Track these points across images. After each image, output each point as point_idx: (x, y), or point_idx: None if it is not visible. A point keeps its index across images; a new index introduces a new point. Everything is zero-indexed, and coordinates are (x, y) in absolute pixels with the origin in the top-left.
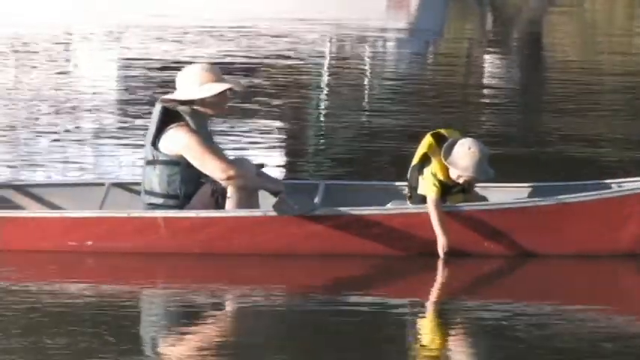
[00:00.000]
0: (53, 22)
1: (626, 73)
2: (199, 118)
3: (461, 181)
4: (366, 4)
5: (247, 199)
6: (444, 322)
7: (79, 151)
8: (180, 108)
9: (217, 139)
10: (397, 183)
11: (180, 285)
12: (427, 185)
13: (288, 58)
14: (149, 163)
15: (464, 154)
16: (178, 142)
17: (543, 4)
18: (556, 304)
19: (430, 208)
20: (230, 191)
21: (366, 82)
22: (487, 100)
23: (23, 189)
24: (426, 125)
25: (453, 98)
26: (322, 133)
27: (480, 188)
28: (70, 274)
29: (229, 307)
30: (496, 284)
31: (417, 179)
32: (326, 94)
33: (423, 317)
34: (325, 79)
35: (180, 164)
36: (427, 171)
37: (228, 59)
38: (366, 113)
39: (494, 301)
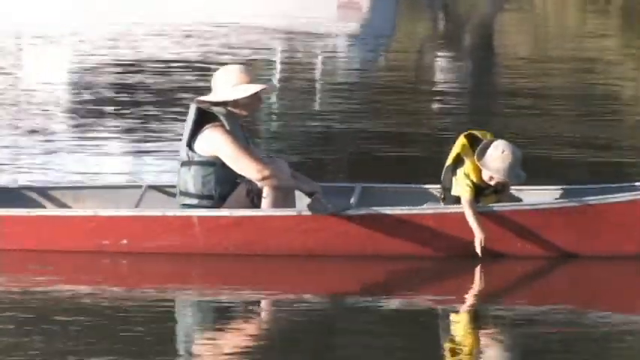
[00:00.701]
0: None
1: (579, 71)
2: (234, 118)
3: (492, 183)
4: (317, 6)
5: (283, 199)
6: (478, 324)
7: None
8: (215, 109)
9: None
10: (432, 185)
11: (213, 287)
12: (460, 186)
13: (236, 60)
14: (184, 164)
15: (497, 157)
16: (213, 142)
17: (496, 8)
18: (591, 306)
19: (465, 207)
20: (265, 191)
21: (315, 85)
22: (438, 101)
23: (58, 191)
24: (376, 130)
25: (405, 100)
26: (272, 136)
27: (515, 190)
28: (104, 277)
29: (264, 309)
30: (530, 286)
31: (451, 180)
32: (276, 97)
33: (458, 320)
34: (276, 81)
35: (215, 165)
36: (460, 172)
37: (178, 63)
38: (316, 117)
39: (528, 303)
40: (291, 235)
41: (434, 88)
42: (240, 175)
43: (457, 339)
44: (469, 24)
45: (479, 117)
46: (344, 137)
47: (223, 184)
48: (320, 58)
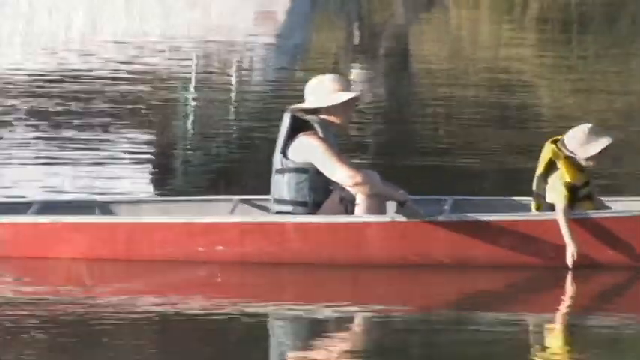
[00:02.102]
0: None
1: (494, 84)
2: (327, 126)
3: (589, 163)
4: (233, 17)
5: (376, 206)
6: (572, 337)
7: None
8: (309, 117)
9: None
10: (523, 198)
11: (307, 297)
12: (555, 193)
13: (154, 72)
14: (278, 171)
15: (576, 131)
16: (307, 149)
17: (411, 18)
18: None
19: (559, 215)
20: (359, 198)
21: (232, 96)
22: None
23: (149, 204)
24: None
25: None
26: (190, 147)
27: (604, 199)
28: (197, 283)
29: (356, 323)
30: (622, 295)
31: (544, 189)
32: (193, 109)
33: (552, 332)
34: (192, 93)
35: (309, 172)
36: (554, 178)
37: (89, 73)
38: (233, 127)
39: (622, 314)
40: (386, 242)
41: None
42: (334, 182)
43: (550, 351)
44: (384, 34)
45: (395, 126)
46: (254, 148)
47: (317, 191)
48: (234, 70)
